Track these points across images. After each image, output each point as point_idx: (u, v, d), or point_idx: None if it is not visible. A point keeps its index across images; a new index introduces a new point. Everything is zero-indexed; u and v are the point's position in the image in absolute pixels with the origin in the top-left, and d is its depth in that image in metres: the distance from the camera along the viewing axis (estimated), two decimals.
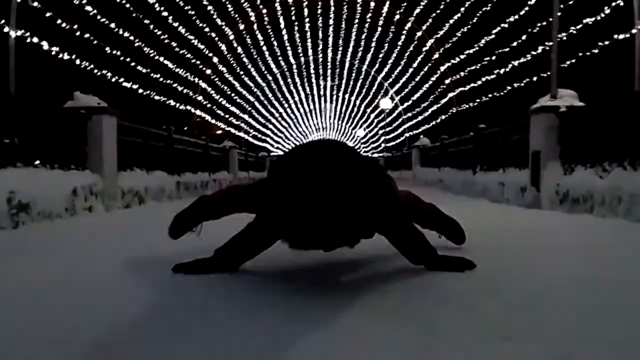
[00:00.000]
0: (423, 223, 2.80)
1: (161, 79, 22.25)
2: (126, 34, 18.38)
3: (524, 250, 3.45)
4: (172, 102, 24.18)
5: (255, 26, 30.01)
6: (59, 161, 6.29)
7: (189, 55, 24.80)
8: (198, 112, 28.44)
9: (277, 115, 58.99)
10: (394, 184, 2.38)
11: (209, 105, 30.46)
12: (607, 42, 14.12)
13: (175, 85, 23.97)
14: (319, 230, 1.76)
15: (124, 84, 18.58)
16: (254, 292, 2.22)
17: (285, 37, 32.28)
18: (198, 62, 26.59)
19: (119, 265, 2.95)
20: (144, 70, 20.21)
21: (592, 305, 2.02)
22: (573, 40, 15.35)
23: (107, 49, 17.42)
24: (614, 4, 12.54)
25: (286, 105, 59.74)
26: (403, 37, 31.64)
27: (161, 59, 21.80)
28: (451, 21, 25.08)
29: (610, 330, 1.73)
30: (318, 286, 2.36)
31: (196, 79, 27.03)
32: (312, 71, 49.87)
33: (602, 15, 13.76)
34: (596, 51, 15.15)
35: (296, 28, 30.77)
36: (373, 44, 38.10)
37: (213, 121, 33.21)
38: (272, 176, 2.03)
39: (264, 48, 34.39)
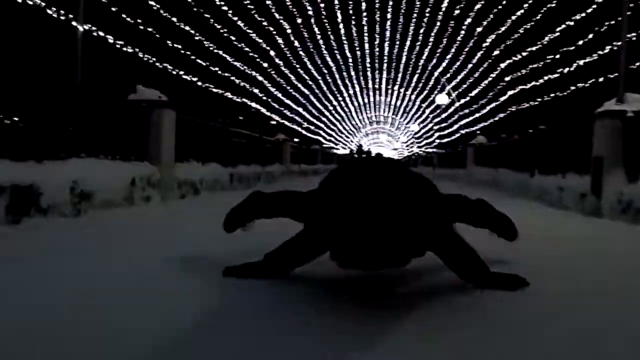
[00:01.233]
0: (473, 222, 2.73)
1: (219, 72, 22.64)
2: (187, 28, 18.77)
3: (584, 267, 3.32)
4: (229, 95, 24.57)
5: (312, 20, 30.10)
6: (120, 152, 6.52)
7: (246, 49, 25.13)
8: (254, 105, 28.82)
9: (330, 108, 59.12)
10: (444, 197, 2.34)
11: (264, 98, 30.83)
12: None
13: (232, 78, 24.34)
14: (366, 249, 1.73)
15: (184, 76, 19.00)
16: (299, 302, 2.23)
17: (342, 31, 32.21)
18: (255, 56, 26.93)
19: (170, 265, 3.03)
20: (204, 64, 20.62)
21: None
22: None
23: (169, 42, 17.86)
24: None
25: (340, 99, 59.81)
26: (462, 32, 30.99)
27: (220, 52, 22.16)
28: (513, 17, 24.34)
29: None
30: (362, 299, 2.35)
31: (253, 72, 27.37)
32: (367, 64, 49.62)
33: None
34: None
35: (353, 22, 30.64)
36: (431, 39, 37.56)
37: (268, 113, 33.59)
38: (322, 189, 2.03)
39: (321, 42, 34.45)
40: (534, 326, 1.98)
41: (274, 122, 36.61)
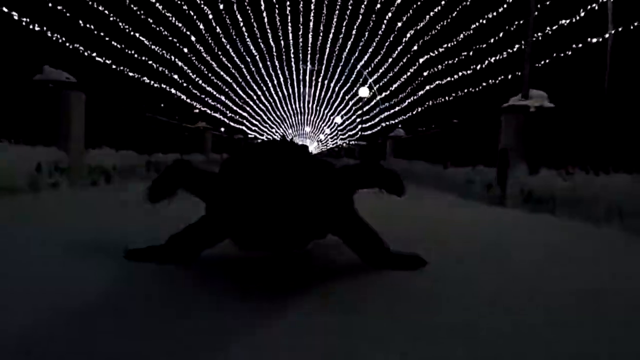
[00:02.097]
0: (366, 184, 2.69)
1: (136, 56, 21.86)
2: (100, 8, 17.97)
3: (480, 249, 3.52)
4: (146, 80, 23.81)
5: (235, 6, 29.67)
6: (25, 136, 6.18)
7: (165, 33, 24.39)
8: (173, 91, 28.06)
9: (255, 97, 58.68)
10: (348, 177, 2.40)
11: (184, 84, 30.11)
12: (580, 45, 14.40)
13: (150, 62, 23.58)
14: (265, 232, 1.75)
15: (97, 58, 18.21)
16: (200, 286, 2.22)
17: (265, 20, 31.97)
18: (175, 40, 26.20)
19: (71, 247, 2.92)
20: (119, 46, 19.80)
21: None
22: (548, 41, 15.61)
23: (80, 22, 17.04)
24: (589, 6, 12.77)
25: (264, 89, 59.42)
26: (383, 26, 31.64)
27: (137, 35, 21.38)
28: (431, 14, 25.14)
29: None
30: (263, 281, 2.37)
31: (172, 57, 26.64)
32: (291, 55, 49.56)
33: (577, 18, 14.01)
34: (569, 53, 15.42)
35: (277, 10, 30.50)
36: (354, 32, 38.07)
37: (188, 100, 32.83)
38: (223, 171, 2.02)
39: (243, 29, 34.05)
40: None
41: (196, 111, 35.89)
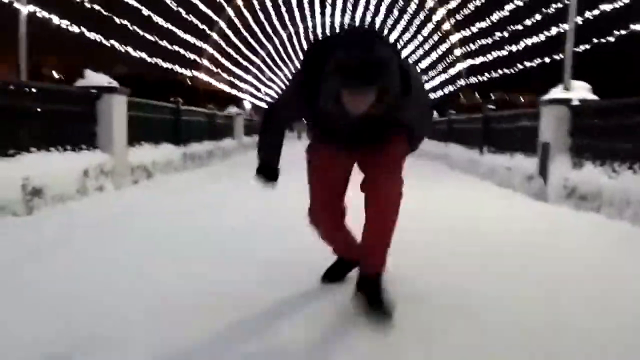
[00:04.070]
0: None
1: (168, 47, 21.99)
2: (135, 4, 18.10)
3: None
4: (177, 68, 23.96)
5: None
6: (70, 142, 6.33)
7: (196, 22, 24.47)
8: (205, 77, 28.19)
9: (282, 76, 58.61)
10: None
11: (215, 70, 30.22)
12: (623, 32, 13.92)
13: (182, 52, 23.69)
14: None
15: (133, 53, 18.40)
16: None
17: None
18: (204, 27, 26.25)
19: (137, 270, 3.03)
20: (152, 38, 19.96)
21: None
22: (588, 27, 15.11)
23: (115, 18, 17.19)
24: None
25: (291, 66, 59.18)
26: (414, 4, 31.14)
27: (168, 25, 21.48)
28: None
29: None
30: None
31: (202, 44, 26.70)
32: (319, 34, 49.17)
33: (621, 3, 13.53)
34: (612, 39, 14.93)
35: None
36: (382, 9, 37.53)
37: (219, 85, 32.92)
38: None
39: (272, 12, 33.88)
40: None
41: (229, 94, 35.96)
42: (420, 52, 35.86)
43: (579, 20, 14.31)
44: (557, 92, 6.88)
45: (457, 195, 7.51)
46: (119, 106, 7.23)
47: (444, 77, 32.59)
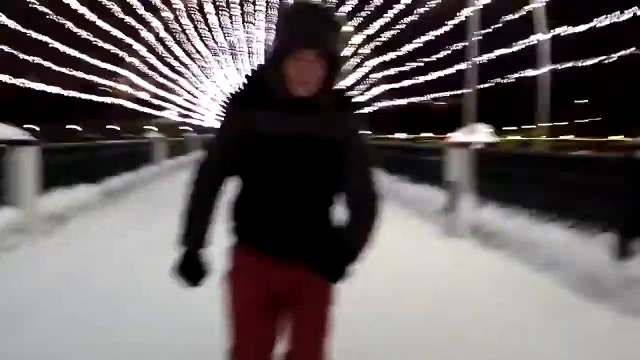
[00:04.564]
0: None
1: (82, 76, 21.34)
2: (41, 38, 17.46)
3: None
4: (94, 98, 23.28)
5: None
6: None
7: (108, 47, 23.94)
8: (122, 102, 27.50)
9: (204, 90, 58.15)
10: None
11: (133, 93, 29.57)
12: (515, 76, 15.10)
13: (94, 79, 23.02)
14: None
15: (43, 87, 17.72)
16: None
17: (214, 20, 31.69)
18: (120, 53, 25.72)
19: None
20: (66, 71, 19.31)
21: None
22: (487, 68, 16.47)
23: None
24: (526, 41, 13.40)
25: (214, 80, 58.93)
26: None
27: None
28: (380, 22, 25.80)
29: None
30: None
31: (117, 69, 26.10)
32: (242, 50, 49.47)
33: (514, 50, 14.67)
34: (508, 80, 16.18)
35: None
36: None
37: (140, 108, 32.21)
38: None
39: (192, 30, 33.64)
40: None
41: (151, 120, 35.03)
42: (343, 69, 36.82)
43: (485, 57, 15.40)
44: (461, 135, 7.34)
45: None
46: (29, 158, 7.03)
47: (364, 98, 33.61)
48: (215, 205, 1.98)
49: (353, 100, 1.97)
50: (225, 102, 1.95)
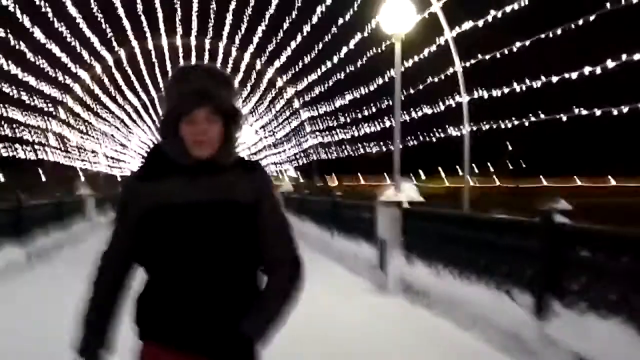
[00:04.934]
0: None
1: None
2: None
3: None
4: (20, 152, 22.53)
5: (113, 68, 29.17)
6: None
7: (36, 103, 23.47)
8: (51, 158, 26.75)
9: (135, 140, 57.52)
10: None
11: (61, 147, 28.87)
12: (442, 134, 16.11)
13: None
14: None
15: None
16: None
17: (146, 76, 31.62)
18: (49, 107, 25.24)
19: None
20: None
21: None
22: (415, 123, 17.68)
23: None
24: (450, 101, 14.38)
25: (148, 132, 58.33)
26: (265, 84, 32.75)
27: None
28: (310, 78, 26.75)
29: None
30: None
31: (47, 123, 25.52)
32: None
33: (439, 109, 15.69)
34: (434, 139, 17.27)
35: (157, 70, 30.30)
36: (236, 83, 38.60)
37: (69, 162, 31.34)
38: None
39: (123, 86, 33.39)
40: None
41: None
42: (275, 124, 37.54)
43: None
44: (389, 194, 7.68)
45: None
46: None
47: (297, 149, 34.43)
48: (120, 300, 1.80)
49: (256, 161, 1.92)
50: (126, 180, 1.88)
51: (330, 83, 24.81)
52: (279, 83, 30.39)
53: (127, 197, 1.78)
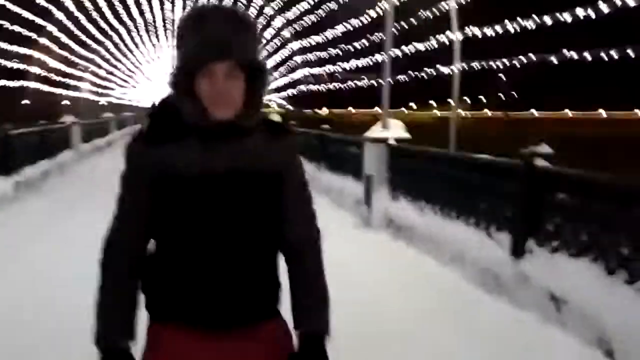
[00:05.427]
0: None
1: None
2: None
3: None
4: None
5: None
6: None
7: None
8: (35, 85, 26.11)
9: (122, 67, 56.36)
10: None
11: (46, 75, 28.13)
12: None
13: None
14: None
15: None
16: None
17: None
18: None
19: None
20: None
21: None
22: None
23: None
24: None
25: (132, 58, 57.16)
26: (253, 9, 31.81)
27: None
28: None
29: None
30: None
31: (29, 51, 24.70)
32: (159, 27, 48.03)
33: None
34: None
35: None
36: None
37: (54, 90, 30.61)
38: None
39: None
40: None
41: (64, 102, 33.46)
42: (264, 53, 36.80)
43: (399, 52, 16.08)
44: (376, 131, 7.73)
45: None
46: None
47: (286, 80, 33.84)
48: (137, 285, 1.58)
49: (285, 123, 1.74)
50: (129, 145, 1.55)
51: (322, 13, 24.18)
52: (269, 11, 29.64)
53: (134, 165, 1.53)
